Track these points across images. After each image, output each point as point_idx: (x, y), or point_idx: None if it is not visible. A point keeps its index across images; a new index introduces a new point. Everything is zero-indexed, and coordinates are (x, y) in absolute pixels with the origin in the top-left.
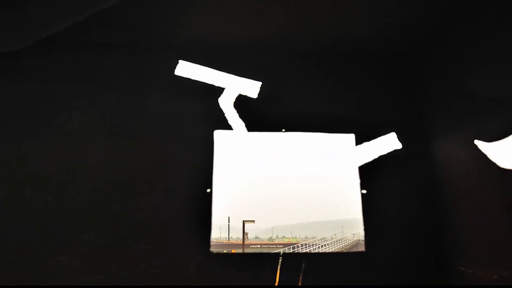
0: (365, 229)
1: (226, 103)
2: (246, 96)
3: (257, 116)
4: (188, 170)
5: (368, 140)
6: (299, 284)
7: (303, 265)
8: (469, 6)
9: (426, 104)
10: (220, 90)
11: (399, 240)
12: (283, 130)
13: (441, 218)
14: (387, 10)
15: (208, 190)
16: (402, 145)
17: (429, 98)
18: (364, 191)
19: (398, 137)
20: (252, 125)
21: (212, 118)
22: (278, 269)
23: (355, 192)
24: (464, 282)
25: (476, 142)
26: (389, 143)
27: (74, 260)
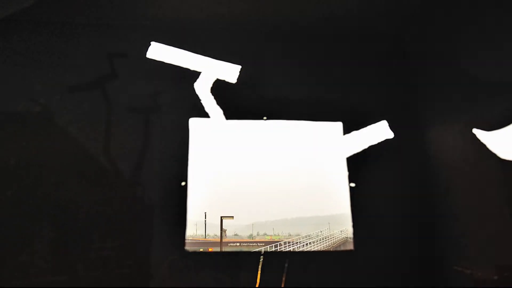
0: (353, 226)
1: (202, 88)
2: (224, 80)
3: (236, 102)
4: (161, 161)
5: (357, 129)
6: (282, 286)
7: (286, 265)
8: None
9: (419, 89)
10: (196, 75)
11: (391, 238)
12: (265, 118)
13: (436, 214)
14: None
15: (183, 183)
16: (394, 134)
17: (423, 83)
18: (352, 184)
19: (389, 125)
20: (231, 113)
21: (187, 104)
22: (259, 269)
23: (342, 185)
24: (461, 283)
25: (475, 131)
26: (380, 132)
27: (36, 259)
